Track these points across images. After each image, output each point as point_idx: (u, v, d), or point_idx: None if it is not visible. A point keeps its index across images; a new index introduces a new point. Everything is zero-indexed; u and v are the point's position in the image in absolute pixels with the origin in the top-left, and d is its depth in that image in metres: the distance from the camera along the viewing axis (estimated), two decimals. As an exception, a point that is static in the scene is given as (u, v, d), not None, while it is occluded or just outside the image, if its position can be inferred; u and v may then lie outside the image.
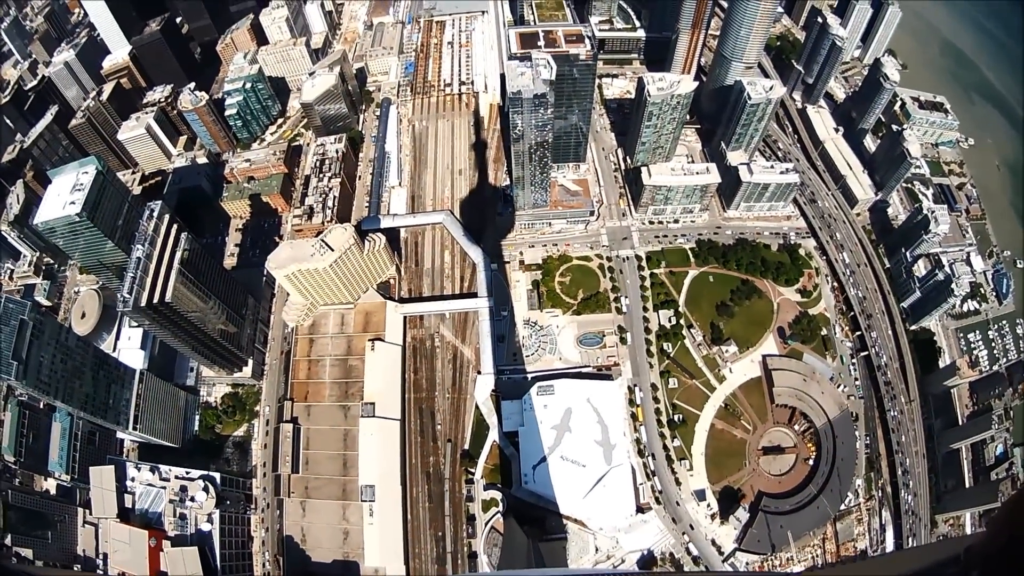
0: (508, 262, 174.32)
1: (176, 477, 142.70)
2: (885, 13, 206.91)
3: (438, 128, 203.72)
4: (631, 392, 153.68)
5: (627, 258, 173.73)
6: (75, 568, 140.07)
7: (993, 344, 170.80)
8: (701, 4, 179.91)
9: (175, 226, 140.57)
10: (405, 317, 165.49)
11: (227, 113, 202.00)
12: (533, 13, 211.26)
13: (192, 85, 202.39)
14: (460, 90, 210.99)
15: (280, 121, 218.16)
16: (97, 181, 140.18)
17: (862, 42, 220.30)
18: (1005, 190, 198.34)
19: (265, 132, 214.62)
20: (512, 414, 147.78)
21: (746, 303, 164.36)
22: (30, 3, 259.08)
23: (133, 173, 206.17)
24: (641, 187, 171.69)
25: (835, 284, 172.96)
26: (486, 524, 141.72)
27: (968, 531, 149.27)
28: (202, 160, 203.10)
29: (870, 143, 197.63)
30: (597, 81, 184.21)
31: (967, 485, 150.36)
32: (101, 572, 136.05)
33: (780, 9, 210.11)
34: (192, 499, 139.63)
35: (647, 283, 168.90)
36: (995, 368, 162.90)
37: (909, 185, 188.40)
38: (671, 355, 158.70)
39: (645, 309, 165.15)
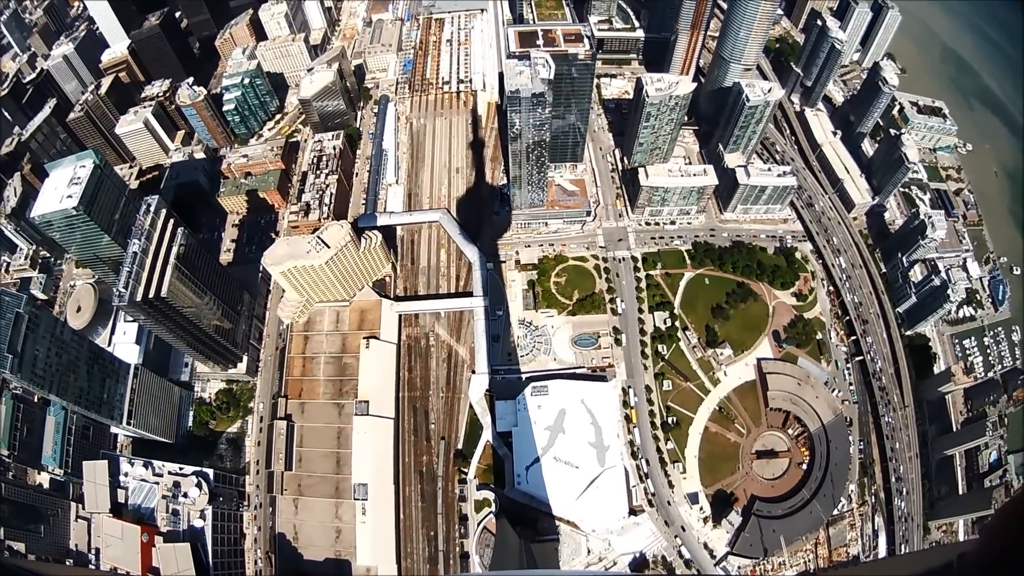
0: (504, 261, 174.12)
1: (169, 473, 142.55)
2: (885, 17, 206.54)
3: (436, 126, 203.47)
4: (625, 394, 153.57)
5: (623, 259, 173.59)
6: (67, 563, 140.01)
7: (988, 351, 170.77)
8: (700, 5, 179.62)
9: (172, 221, 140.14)
10: (400, 315, 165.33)
11: (225, 108, 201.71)
12: (532, 12, 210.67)
13: (190, 80, 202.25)
14: (458, 88, 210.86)
15: (278, 117, 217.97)
16: (94, 175, 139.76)
17: (861, 45, 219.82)
18: (1003, 196, 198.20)
19: (263, 128, 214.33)
20: (506, 414, 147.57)
21: (741, 306, 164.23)
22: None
23: (130, 167, 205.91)
24: (638, 188, 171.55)
25: (831, 288, 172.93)
26: (478, 524, 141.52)
27: (961, 538, 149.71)
28: (199, 155, 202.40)
29: (868, 147, 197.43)
30: (595, 81, 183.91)
31: (961, 492, 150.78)
32: (93, 567, 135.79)
33: (779, 11, 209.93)
34: (185, 495, 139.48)
35: (643, 284, 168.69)
36: (990, 375, 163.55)
37: (906, 190, 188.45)
38: (666, 357, 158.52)
39: (640, 311, 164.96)
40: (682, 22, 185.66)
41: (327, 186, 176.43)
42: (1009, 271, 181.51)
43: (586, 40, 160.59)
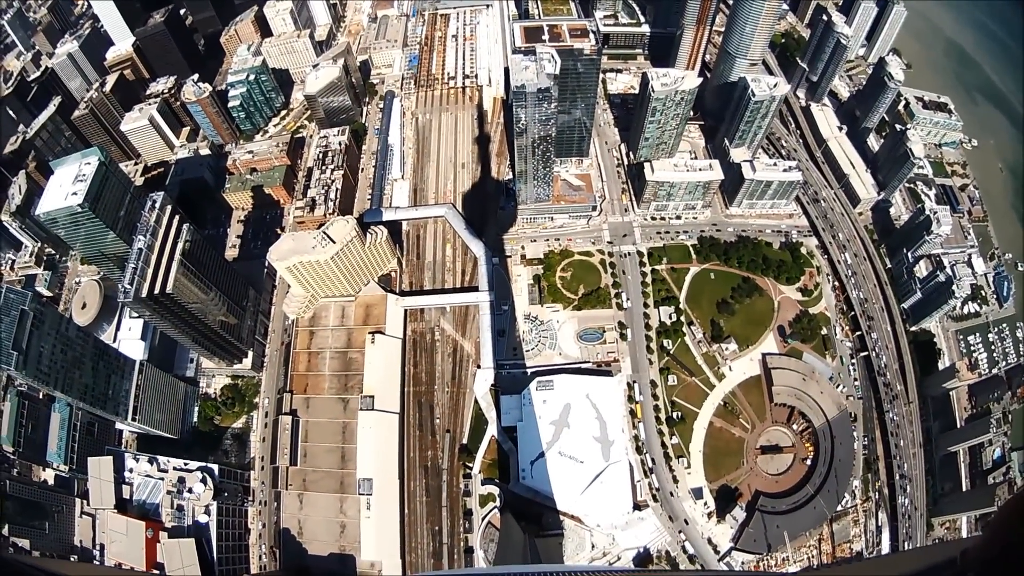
0: (510, 256, 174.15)
1: (174, 468, 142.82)
2: (890, 12, 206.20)
3: (441, 121, 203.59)
4: (630, 388, 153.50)
5: (628, 254, 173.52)
6: (72, 559, 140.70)
7: (993, 347, 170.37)
8: (706, 0, 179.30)
9: (177, 217, 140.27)
10: (406, 310, 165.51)
11: (230, 105, 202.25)
12: (538, 7, 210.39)
13: (195, 76, 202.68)
14: (464, 84, 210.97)
15: (283, 113, 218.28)
16: (99, 172, 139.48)
17: (867, 41, 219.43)
18: (1007, 192, 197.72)
19: (268, 124, 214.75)
20: (511, 409, 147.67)
21: (747, 301, 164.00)
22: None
23: (135, 164, 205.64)
24: (644, 183, 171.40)
25: (836, 283, 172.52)
26: (483, 519, 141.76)
27: (964, 535, 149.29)
28: (205, 151, 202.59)
29: (873, 142, 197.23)
30: (601, 76, 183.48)
31: (964, 488, 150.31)
32: (98, 562, 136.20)
33: (785, 6, 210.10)
34: (190, 491, 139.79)
35: (648, 279, 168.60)
36: (994, 371, 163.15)
37: (912, 185, 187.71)
38: (671, 352, 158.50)
39: (646, 305, 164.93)
40: (688, 17, 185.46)
41: (332, 181, 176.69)
42: (1014, 267, 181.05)
43: (591, 35, 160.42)
